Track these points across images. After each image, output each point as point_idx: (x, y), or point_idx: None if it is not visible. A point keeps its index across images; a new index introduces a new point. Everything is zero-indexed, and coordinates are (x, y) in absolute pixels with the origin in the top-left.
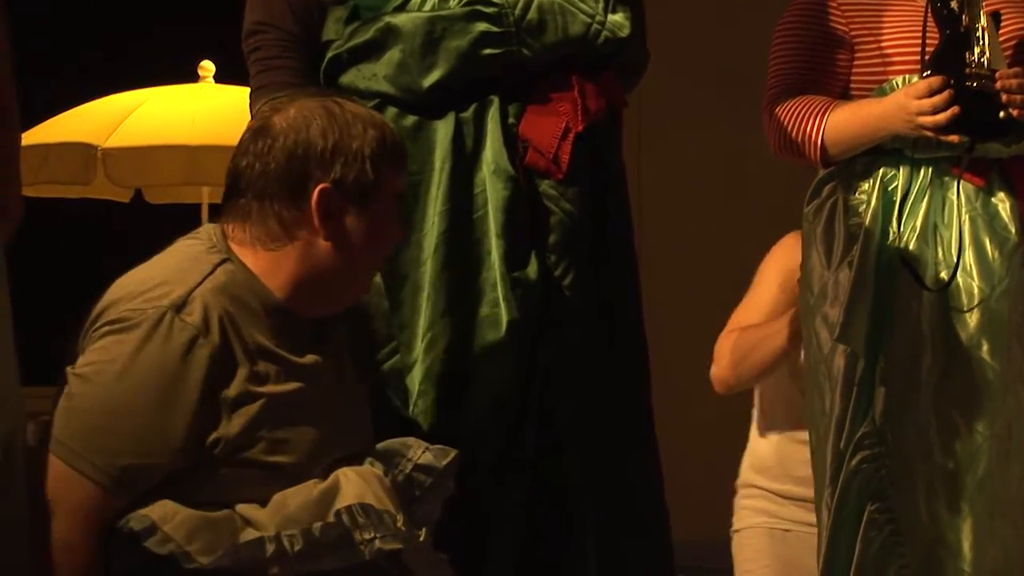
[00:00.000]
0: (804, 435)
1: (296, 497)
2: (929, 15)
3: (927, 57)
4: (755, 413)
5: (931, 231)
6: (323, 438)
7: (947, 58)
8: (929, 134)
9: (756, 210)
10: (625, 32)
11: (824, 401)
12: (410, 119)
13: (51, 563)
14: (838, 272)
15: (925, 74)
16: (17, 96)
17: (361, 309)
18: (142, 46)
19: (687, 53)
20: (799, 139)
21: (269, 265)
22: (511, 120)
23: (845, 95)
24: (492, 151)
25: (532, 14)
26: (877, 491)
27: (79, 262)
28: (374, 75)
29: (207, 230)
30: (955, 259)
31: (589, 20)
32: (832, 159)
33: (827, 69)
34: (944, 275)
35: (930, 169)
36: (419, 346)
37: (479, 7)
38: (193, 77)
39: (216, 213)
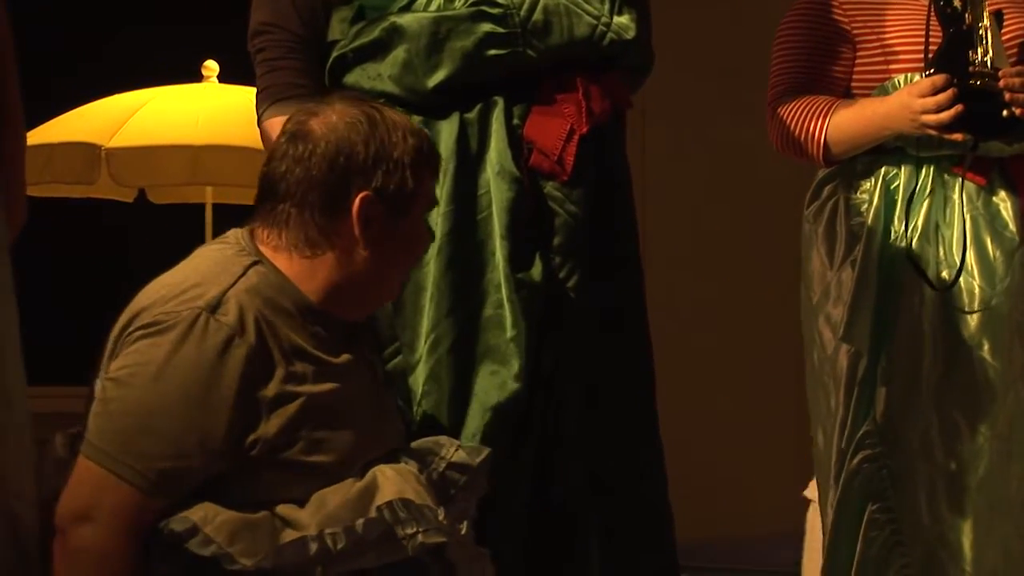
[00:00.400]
0: None
1: (335, 496)
2: (932, 13)
3: (930, 55)
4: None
5: (933, 230)
6: (360, 437)
7: (950, 56)
8: (933, 133)
9: (760, 209)
10: (631, 34)
11: (830, 401)
12: (414, 119)
13: (86, 571)
14: (841, 272)
15: (928, 72)
16: (22, 96)
17: None
18: (146, 45)
19: (691, 52)
20: (802, 138)
21: (305, 270)
22: (516, 121)
23: (847, 94)
24: (496, 152)
25: (537, 15)
26: (878, 491)
27: (82, 262)
28: (379, 75)
29: (234, 234)
30: (957, 258)
31: (595, 22)
32: (835, 158)
33: (829, 68)
34: (946, 274)
35: (932, 168)
36: (422, 346)
37: (484, 8)
38: (197, 77)
39: (219, 213)
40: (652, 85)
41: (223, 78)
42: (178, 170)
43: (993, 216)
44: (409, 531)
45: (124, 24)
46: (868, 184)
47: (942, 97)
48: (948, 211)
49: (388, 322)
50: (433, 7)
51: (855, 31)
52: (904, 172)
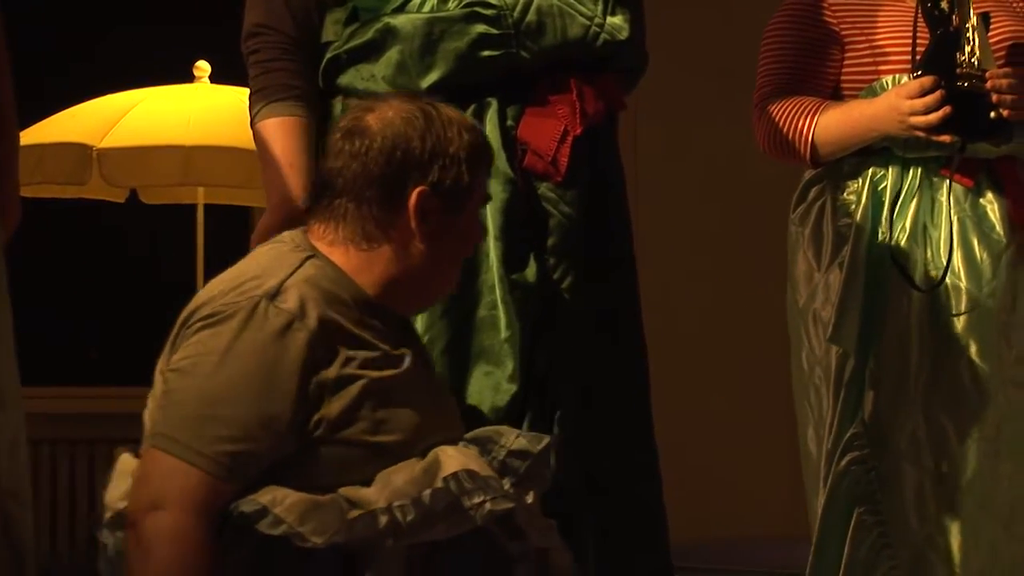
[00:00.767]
0: None
1: (400, 473)
2: (919, 15)
3: (918, 57)
4: None
5: (920, 232)
6: (422, 419)
7: (938, 58)
8: (921, 135)
9: (754, 210)
10: (624, 35)
11: (822, 402)
12: None
13: (162, 556)
14: (828, 274)
15: (916, 74)
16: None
17: None
18: (137, 46)
19: (684, 52)
20: (791, 136)
21: (361, 264)
22: (510, 122)
23: (836, 95)
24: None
25: (531, 16)
26: (866, 493)
27: (74, 262)
28: (372, 76)
29: (289, 235)
30: (944, 260)
31: (588, 22)
32: (823, 160)
33: (817, 69)
34: (934, 276)
35: (919, 169)
36: None
37: (478, 9)
38: (189, 77)
39: (211, 213)
40: (645, 85)
41: (215, 79)
42: (170, 170)
43: (980, 218)
44: (476, 500)
45: (116, 24)
46: (855, 185)
47: (930, 99)
48: (935, 213)
49: None
50: (427, 8)
51: (843, 32)
52: (891, 173)
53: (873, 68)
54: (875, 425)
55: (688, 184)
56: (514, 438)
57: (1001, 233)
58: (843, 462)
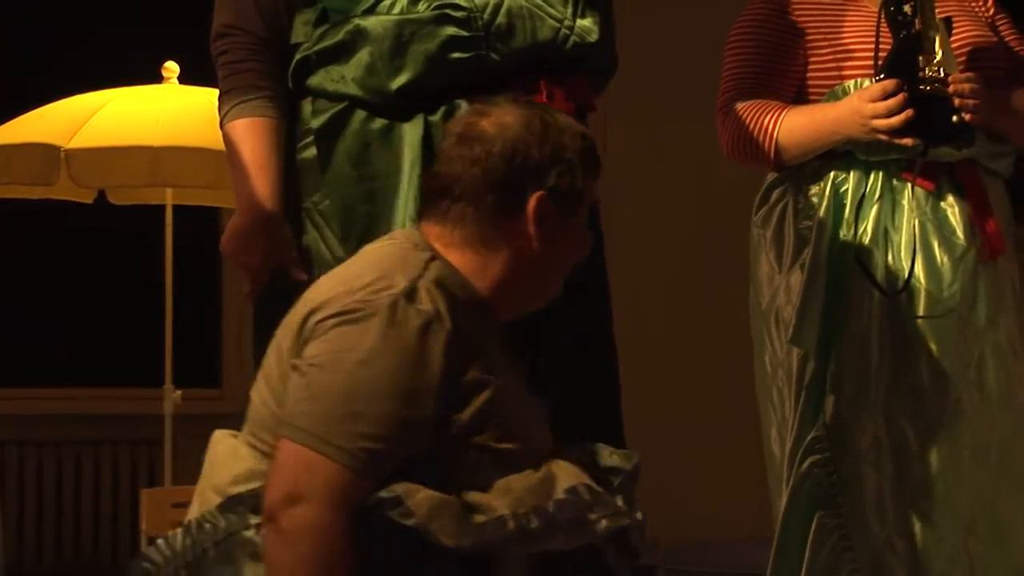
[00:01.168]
0: None
1: (519, 481)
2: (882, 19)
3: (880, 61)
4: None
5: (882, 235)
6: (537, 429)
7: (900, 62)
8: (883, 138)
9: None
10: (594, 37)
11: (784, 405)
12: (379, 122)
13: (304, 550)
14: (790, 275)
15: (878, 77)
16: None
17: None
18: (106, 47)
19: (653, 54)
20: (756, 135)
21: (477, 266)
22: None
23: (800, 97)
24: None
25: (501, 18)
26: (827, 496)
27: (42, 263)
28: (342, 77)
29: (403, 233)
30: (905, 263)
31: (558, 25)
32: (786, 163)
33: (781, 73)
34: (896, 279)
35: (881, 173)
36: None
37: (448, 11)
38: (157, 78)
39: (180, 214)
40: (615, 87)
41: (183, 79)
42: (138, 171)
43: (941, 221)
44: (595, 515)
45: (84, 26)
46: (817, 188)
47: (892, 102)
48: (897, 216)
49: None
50: (397, 10)
51: (808, 35)
52: (853, 177)
53: (838, 71)
54: (836, 427)
55: (656, 185)
56: (608, 455)
57: (962, 236)
58: (804, 465)
